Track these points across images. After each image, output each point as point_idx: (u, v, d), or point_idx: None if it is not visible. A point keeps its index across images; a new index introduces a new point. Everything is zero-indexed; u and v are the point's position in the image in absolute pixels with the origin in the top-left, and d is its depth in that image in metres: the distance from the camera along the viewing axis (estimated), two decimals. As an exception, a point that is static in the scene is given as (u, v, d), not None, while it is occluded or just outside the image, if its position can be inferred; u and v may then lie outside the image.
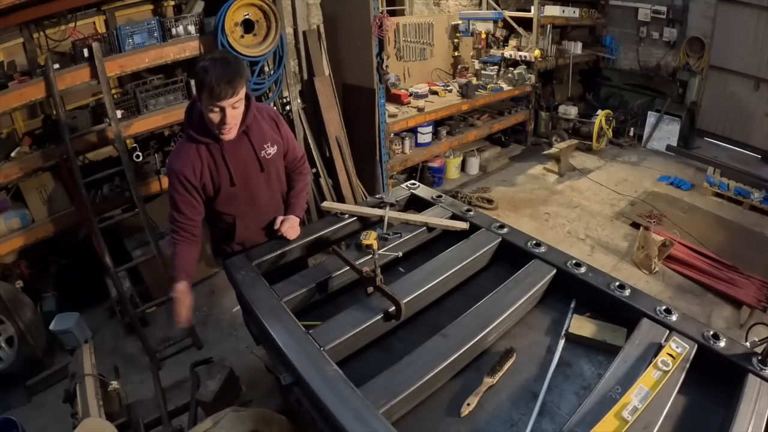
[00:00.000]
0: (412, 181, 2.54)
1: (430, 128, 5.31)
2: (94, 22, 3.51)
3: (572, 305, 1.75)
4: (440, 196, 2.37)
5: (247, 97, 1.90)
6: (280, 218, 2.10)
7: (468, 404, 1.41)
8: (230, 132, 1.85)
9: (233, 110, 1.80)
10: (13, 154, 3.09)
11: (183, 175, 1.87)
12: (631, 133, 6.98)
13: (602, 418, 1.22)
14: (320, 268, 1.92)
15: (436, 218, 2.15)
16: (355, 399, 1.29)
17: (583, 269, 1.78)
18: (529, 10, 6.22)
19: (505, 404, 1.43)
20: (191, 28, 3.41)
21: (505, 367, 1.52)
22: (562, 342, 1.62)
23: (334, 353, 1.49)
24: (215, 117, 1.78)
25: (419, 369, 1.41)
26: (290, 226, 2.08)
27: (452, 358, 1.45)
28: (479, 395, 1.44)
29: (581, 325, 1.64)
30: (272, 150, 2.02)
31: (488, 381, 1.48)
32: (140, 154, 3.44)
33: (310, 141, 4.21)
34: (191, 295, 1.93)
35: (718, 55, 6.36)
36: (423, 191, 2.44)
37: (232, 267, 1.91)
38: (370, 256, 1.73)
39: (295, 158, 2.20)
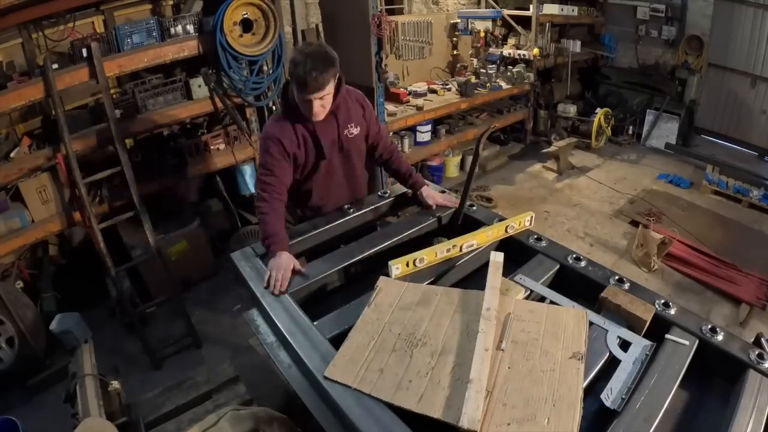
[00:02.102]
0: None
1: (429, 127, 5.31)
2: (92, 22, 3.51)
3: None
4: (442, 192, 2.38)
5: (339, 80, 1.99)
6: (427, 193, 2.24)
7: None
8: (318, 117, 1.99)
9: (320, 101, 1.92)
10: (12, 154, 3.09)
11: (280, 141, 1.99)
12: (630, 132, 6.99)
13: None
14: (327, 261, 1.92)
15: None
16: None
17: (583, 263, 1.79)
18: (528, 9, 6.22)
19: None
20: (190, 28, 3.42)
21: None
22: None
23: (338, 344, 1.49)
24: (303, 106, 1.95)
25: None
26: (437, 196, 2.25)
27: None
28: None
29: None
30: (355, 131, 2.16)
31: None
32: (139, 153, 3.44)
33: (309, 140, 4.21)
34: (292, 261, 1.82)
35: (717, 53, 6.36)
36: (423, 189, 2.44)
37: (237, 260, 1.91)
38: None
39: (381, 137, 2.32)
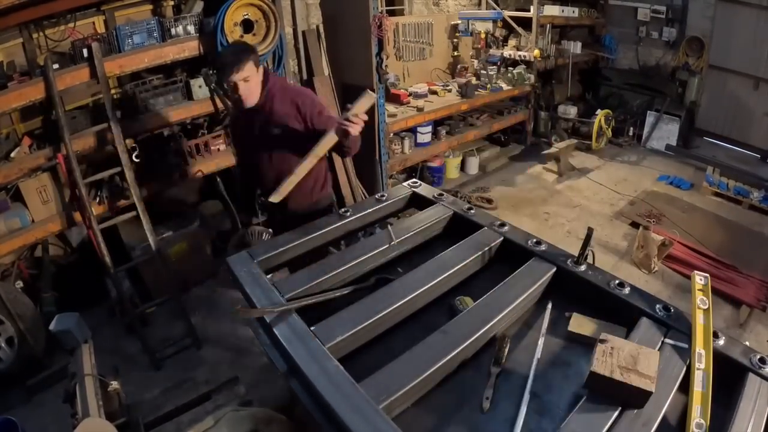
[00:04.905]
0: (414, 180, 2.53)
1: (429, 128, 5.31)
2: (93, 22, 3.51)
3: (549, 306, 1.76)
4: (441, 195, 2.37)
5: (266, 76, 2.29)
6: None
7: (487, 398, 1.43)
8: (246, 101, 2.24)
9: (244, 84, 2.17)
10: (13, 154, 3.09)
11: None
12: (631, 133, 6.99)
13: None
14: (324, 265, 1.92)
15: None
16: (356, 394, 1.30)
17: (582, 267, 1.78)
18: (529, 10, 6.22)
19: (505, 404, 1.43)
20: (191, 28, 3.42)
21: (506, 353, 1.55)
22: (541, 340, 1.63)
23: (336, 350, 1.49)
24: (232, 94, 2.24)
25: (419, 365, 1.41)
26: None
27: (451, 355, 1.46)
28: (493, 386, 1.46)
29: (581, 324, 1.64)
30: (277, 131, 2.33)
31: (496, 370, 1.50)
32: (140, 154, 3.44)
33: (309, 141, 4.21)
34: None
35: (718, 54, 6.36)
36: (424, 190, 2.44)
37: (233, 264, 1.91)
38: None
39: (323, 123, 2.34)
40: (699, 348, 1.39)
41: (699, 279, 1.54)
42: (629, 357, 1.28)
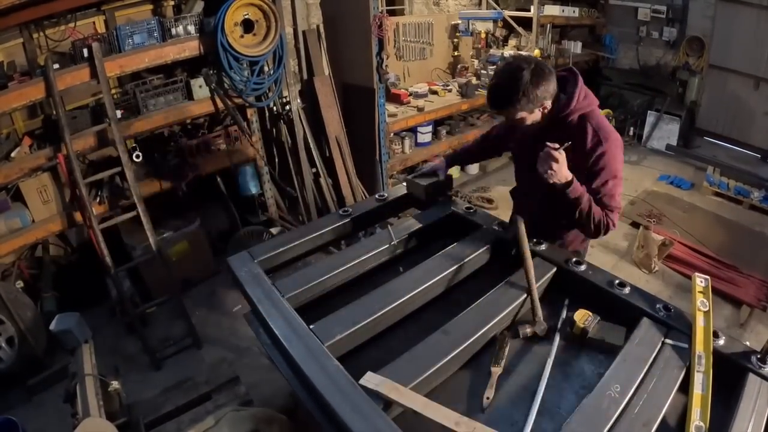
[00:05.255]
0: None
1: (429, 128, 5.30)
2: (93, 22, 3.51)
3: (566, 303, 1.76)
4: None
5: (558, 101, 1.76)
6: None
7: (487, 398, 1.43)
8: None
9: (518, 120, 1.76)
10: (13, 154, 3.09)
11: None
12: (631, 133, 6.98)
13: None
14: (323, 265, 1.92)
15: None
16: (356, 394, 1.30)
17: (583, 267, 1.78)
18: (529, 10, 6.22)
19: (505, 404, 1.43)
20: (191, 28, 3.42)
21: (506, 352, 1.55)
22: (557, 338, 1.62)
23: (335, 349, 1.49)
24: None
25: (420, 365, 1.41)
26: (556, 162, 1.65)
27: (453, 354, 1.46)
28: (493, 386, 1.45)
29: (581, 324, 1.64)
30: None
31: (496, 370, 1.50)
32: (140, 154, 3.44)
33: (310, 141, 4.22)
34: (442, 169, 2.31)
35: (718, 54, 6.35)
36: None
37: (233, 264, 1.91)
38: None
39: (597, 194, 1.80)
40: (699, 350, 1.39)
41: (699, 281, 1.54)
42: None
